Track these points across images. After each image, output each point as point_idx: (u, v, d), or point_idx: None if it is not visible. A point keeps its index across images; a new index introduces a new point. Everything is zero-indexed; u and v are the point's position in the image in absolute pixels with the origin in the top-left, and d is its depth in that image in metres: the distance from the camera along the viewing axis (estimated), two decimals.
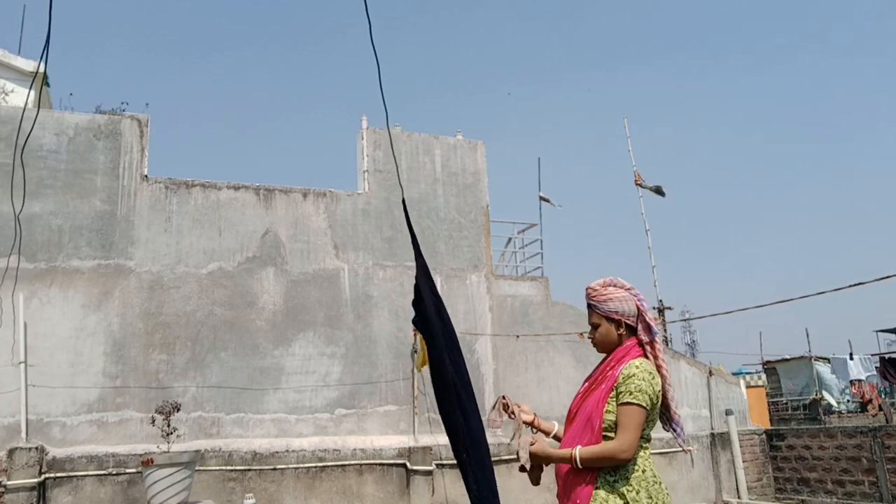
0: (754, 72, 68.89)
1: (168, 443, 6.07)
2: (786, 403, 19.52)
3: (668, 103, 72.18)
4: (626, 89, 72.35)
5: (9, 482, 6.65)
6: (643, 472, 2.49)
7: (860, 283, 6.45)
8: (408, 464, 8.07)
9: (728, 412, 10.60)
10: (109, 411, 7.51)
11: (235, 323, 8.17)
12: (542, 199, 11.47)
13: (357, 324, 8.71)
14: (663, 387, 2.60)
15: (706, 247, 64.08)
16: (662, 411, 2.66)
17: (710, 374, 11.12)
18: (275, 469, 7.66)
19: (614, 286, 2.69)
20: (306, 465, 7.78)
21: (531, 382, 9.36)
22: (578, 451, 2.48)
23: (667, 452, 9.72)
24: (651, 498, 2.45)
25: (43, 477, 6.84)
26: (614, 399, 2.52)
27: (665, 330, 13.81)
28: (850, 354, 18.65)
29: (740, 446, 10.44)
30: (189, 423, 7.64)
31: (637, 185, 14.51)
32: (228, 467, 7.51)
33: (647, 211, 14.34)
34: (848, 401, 18.65)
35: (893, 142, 59.25)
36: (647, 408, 2.48)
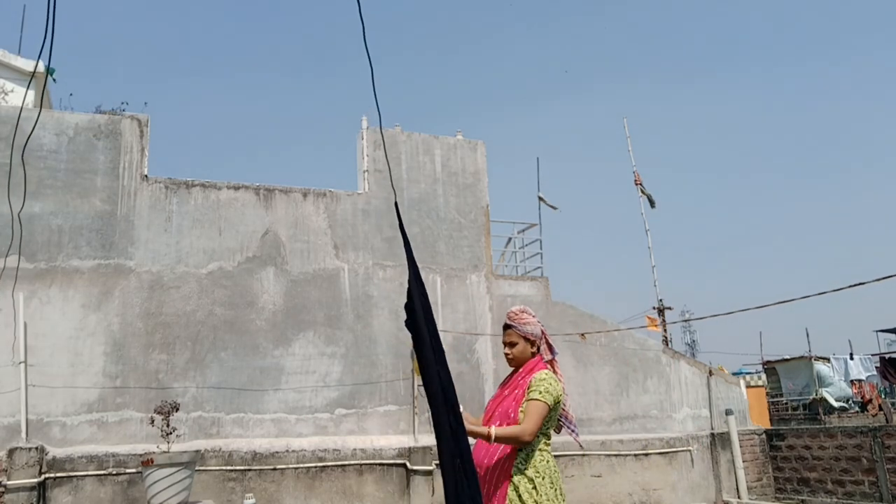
0: (758, 72, 68.88)
1: (168, 443, 6.06)
2: (786, 403, 19.50)
3: (670, 103, 72.20)
4: (627, 89, 72.34)
5: (9, 482, 6.64)
6: (547, 462, 3.09)
7: (861, 283, 6.40)
8: (408, 464, 8.07)
9: (728, 412, 10.60)
10: (109, 411, 7.51)
11: (235, 323, 8.17)
12: (540, 199, 11.46)
13: (357, 324, 8.70)
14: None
15: (706, 247, 64.07)
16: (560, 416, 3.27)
17: (710, 374, 11.11)
18: (275, 469, 7.65)
19: (526, 313, 3.32)
20: (306, 465, 7.77)
21: None
22: (495, 430, 3.06)
23: (667, 452, 9.72)
24: (552, 483, 3.05)
25: (43, 477, 6.84)
26: (526, 400, 3.12)
27: (665, 330, 13.80)
28: (851, 354, 18.66)
29: (740, 446, 10.43)
30: (189, 423, 7.63)
31: (637, 184, 14.52)
32: (228, 467, 7.51)
33: (646, 211, 14.35)
34: (848, 400, 18.63)
35: (892, 141, 59.22)
36: (550, 406, 3.09)
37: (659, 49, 72.89)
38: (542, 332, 3.33)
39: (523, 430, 3.03)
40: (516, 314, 3.31)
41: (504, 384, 3.33)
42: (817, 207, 64.72)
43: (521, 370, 3.27)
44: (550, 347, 3.33)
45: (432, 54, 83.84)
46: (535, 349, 3.29)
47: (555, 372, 3.27)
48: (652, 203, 14.51)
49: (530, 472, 3.02)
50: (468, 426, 3.01)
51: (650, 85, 72.22)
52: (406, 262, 2.55)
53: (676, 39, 73.43)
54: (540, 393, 3.08)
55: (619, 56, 77.42)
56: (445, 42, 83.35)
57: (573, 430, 3.37)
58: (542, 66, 78.30)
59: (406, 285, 2.51)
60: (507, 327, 3.33)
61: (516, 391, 3.18)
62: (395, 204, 2.70)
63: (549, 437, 3.17)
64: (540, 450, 3.09)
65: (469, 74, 79.70)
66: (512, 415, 3.11)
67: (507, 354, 3.32)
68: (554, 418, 3.18)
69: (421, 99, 79.06)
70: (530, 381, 3.15)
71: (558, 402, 3.15)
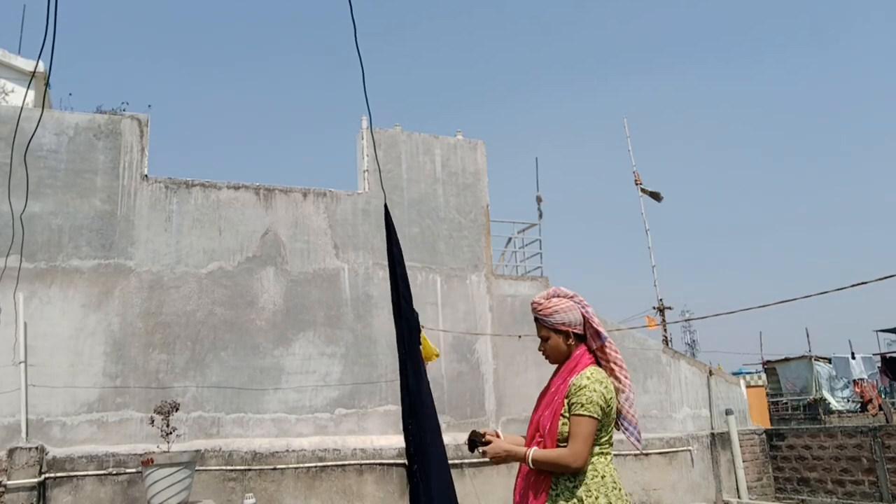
0: (758, 70, 68.90)
1: (168, 443, 6.07)
2: (786, 403, 19.51)
3: (669, 104, 72.22)
4: (628, 91, 72.37)
5: (9, 482, 6.65)
6: (602, 477, 2.51)
7: (862, 283, 6.39)
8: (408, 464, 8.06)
9: (728, 412, 10.60)
10: (109, 411, 7.51)
11: (235, 323, 8.17)
12: (539, 199, 11.44)
13: (357, 324, 8.70)
14: (617, 389, 2.65)
15: (706, 246, 64.07)
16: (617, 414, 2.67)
17: (710, 373, 11.12)
18: (275, 469, 7.66)
19: (558, 297, 2.72)
20: (306, 464, 7.78)
21: (531, 382, 9.33)
22: (532, 452, 2.53)
23: (667, 452, 9.72)
24: (610, 503, 2.48)
25: (43, 477, 6.84)
26: (567, 411, 2.55)
27: (665, 330, 13.81)
28: (852, 353, 18.64)
29: (740, 446, 10.43)
30: (189, 422, 7.64)
31: (637, 184, 14.52)
32: (228, 467, 7.51)
33: (646, 211, 14.34)
34: (848, 400, 18.63)
35: (892, 140, 59.24)
36: (599, 418, 2.51)
37: (660, 48, 72.93)
38: (584, 317, 2.70)
39: (570, 454, 2.48)
40: (540, 303, 2.73)
41: (547, 386, 2.77)
42: (818, 207, 64.74)
43: (562, 370, 2.69)
44: (598, 333, 2.68)
45: (433, 54, 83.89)
46: (571, 340, 2.68)
47: (606, 361, 2.69)
48: (658, 198, 14.51)
49: (580, 492, 2.48)
50: (505, 447, 2.60)
51: (650, 84, 72.26)
52: (396, 266, 2.54)
53: (676, 37, 73.49)
54: (583, 405, 2.50)
55: (620, 54, 77.47)
56: (446, 41, 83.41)
57: (630, 433, 2.72)
58: (542, 66, 78.35)
59: (410, 283, 2.50)
60: (535, 321, 2.78)
61: (555, 399, 2.62)
62: (385, 205, 2.68)
63: (609, 444, 2.61)
64: (591, 462, 2.52)
65: (469, 74, 79.74)
66: (549, 429, 2.57)
67: (541, 350, 2.79)
68: (607, 424, 2.59)
69: (421, 99, 79.12)
70: (569, 387, 2.58)
71: (610, 407, 2.57)
